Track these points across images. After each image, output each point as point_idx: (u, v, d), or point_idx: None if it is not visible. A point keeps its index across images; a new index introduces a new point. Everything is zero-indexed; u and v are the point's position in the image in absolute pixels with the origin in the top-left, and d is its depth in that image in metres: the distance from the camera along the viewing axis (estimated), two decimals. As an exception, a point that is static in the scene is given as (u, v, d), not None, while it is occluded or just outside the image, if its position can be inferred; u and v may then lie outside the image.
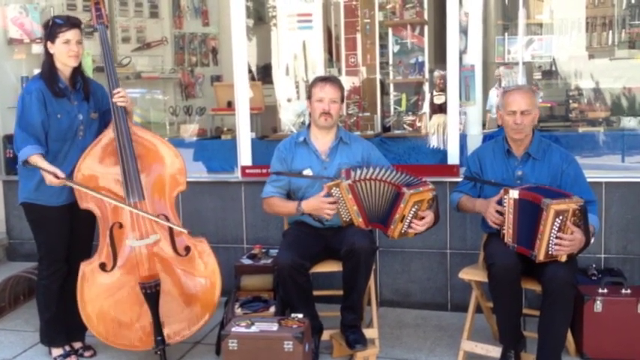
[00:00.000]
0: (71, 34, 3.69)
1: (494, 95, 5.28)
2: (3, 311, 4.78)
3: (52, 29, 3.71)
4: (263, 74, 6.36)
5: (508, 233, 3.43)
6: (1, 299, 4.78)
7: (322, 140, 4.00)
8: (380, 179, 3.67)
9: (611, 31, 6.02)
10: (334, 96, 3.94)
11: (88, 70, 5.18)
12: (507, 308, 3.54)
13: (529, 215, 3.34)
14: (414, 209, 3.59)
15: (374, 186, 3.68)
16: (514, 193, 3.38)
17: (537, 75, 6.34)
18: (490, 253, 3.56)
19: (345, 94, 5.36)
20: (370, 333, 3.92)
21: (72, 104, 3.78)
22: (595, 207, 3.61)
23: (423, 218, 3.64)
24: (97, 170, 3.78)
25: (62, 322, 3.99)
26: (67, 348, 4.04)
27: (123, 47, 6.76)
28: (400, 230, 3.64)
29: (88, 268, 3.77)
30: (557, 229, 3.24)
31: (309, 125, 4.06)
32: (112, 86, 3.81)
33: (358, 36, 5.56)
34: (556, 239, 3.25)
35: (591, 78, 5.85)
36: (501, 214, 3.47)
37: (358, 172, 3.72)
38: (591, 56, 6.14)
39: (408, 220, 3.62)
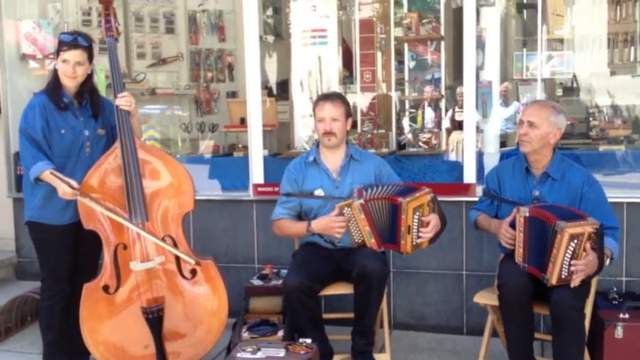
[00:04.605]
0: (69, 55, 3.61)
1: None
2: (9, 332, 4.70)
3: (57, 45, 3.68)
4: (280, 90, 6.30)
5: (518, 252, 3.35)
6: (8, 319, 4.69)
7: (332, 159, 3.90)
8: (380, 197, 3.57)
9: (633, 48, 5.93)
10: (335, 114, 3.82)
11: (101, 87, 5.14)
12: (517, 331, 3.42)
13: (540, 235, 3.25)
14: (416, 216, 3.51)
15: (380, 205, 3.58)
16: (525, 211, 3.31)
17: (558, 92, 6.25)
18: (501, 273, 3.48)
19: (360, 110, 5.30)
20: (382, 358, 3.83)
21: (77, 120, 3.71)
22: (617, 234, 3.47)
23: (428, 223, 3.54)
24: (101, 188, 3.68)
25: (65, 345, 3.89)
26: (70, 372, 3.95)
27: (138, 63, 6.74)
28: (411, 243, 3.56)
29: (90, 290, 3.68)
30: (571, 252, 3.15)
31: (319, 144, 3.97)
32: (117, 92, 3.72)
33: (374, 52, 5.48)
34: (570, 266, 3.15)
35: (612, 95, 5.75)
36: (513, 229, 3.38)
37: (370, 191, 3.63)
38: (613, 73, 6.06)
39: (415, 230, 3.53)
